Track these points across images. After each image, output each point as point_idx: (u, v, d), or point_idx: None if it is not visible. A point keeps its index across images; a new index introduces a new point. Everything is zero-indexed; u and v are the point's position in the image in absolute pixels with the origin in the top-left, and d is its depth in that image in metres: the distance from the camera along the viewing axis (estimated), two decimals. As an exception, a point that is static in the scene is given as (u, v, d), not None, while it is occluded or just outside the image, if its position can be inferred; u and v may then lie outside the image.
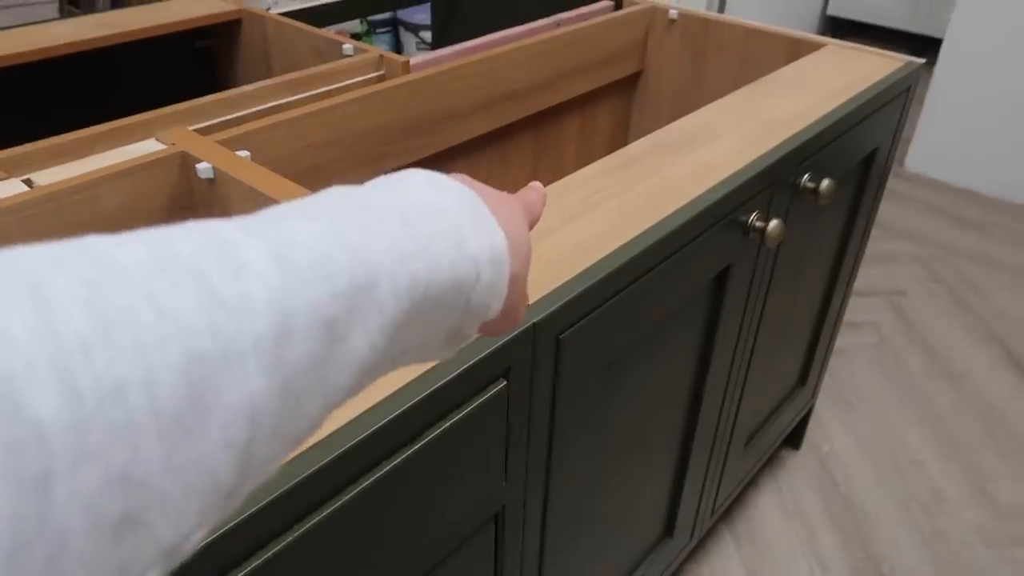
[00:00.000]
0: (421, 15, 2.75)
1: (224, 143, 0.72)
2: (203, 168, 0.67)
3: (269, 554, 0.39)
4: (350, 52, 0.98)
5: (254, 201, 0.64)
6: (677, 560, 1.04)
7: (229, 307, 0.18)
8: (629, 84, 1.27)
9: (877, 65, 0.98)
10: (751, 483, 1.31)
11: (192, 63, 1.18)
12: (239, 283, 0.18)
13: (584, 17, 1.20)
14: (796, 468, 1.36)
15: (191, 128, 0.75)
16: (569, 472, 0.66)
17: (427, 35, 2.76)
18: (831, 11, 3.47)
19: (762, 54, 1.11)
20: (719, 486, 1.05)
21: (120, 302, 0.16)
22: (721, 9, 2.82)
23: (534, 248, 0.59)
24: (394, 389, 0.44)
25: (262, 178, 0.65)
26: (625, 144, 1.33)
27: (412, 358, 0.26)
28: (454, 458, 0.50)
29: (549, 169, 1.19)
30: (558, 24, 1.18)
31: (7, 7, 2.82)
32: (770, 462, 1.36)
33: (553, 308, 0.52)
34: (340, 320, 0.20)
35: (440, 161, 1.02)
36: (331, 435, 0.42)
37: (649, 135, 0.78)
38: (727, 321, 0.81)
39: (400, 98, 0.90)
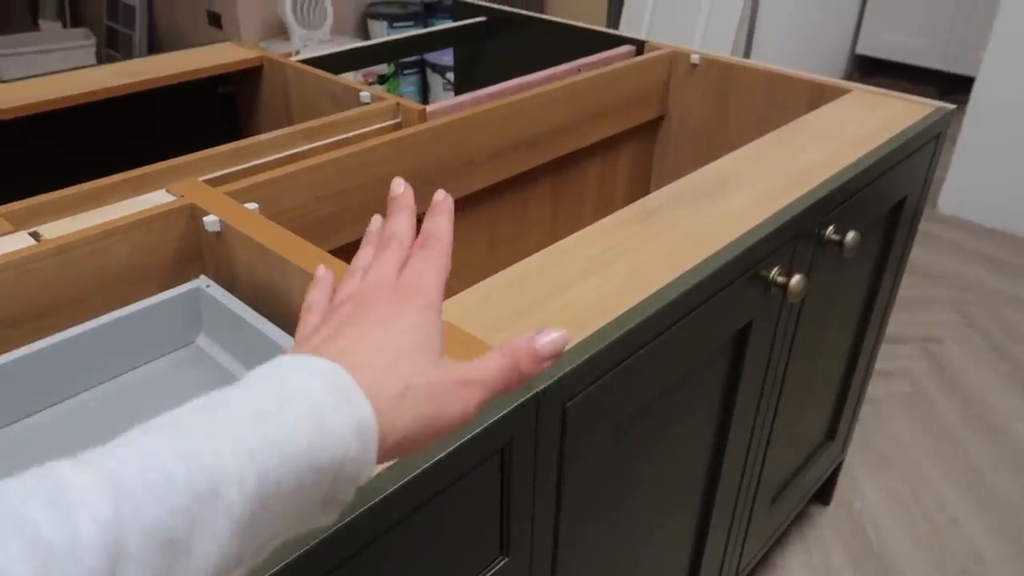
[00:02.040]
0: (448, 56, 2.78)
1: (234, 194, 0.71)
2: (210, 221, 0.66)
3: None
4: (367, 100, 0.98)
5: (259, 254, 0.63)
6: (699, 624, 1.00)
7: (56, 551, 0.18)
8: (651, 128, 1.25)
9: (905, 111, 0.96)
10: (777, 542, 1.26)
11: (215, 109, 1.19)
12: (67, 522, 0.19)
13: (606, 62, 1.19)
14: (825, 526, 1.30)
15: (202, 179, 0.75)
16: (579, 538, 0.63)
17: (453, 76, 2.77)
18: (860, 50, 3.45)
19: (786, 99, 1.09)
20: (743, 547, 1.01)
21: None
22: (747, 52, 2.82)
23: (547, 306, 0.56)
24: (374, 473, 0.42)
25: (267, 231, 0.63)
26: (647, 188, 1.32)
27: (287, 536, 0.27)
28: (448, 536, 0.47)
29: (568, 215, 1.18)
30: (579, 70, 1.17)
31: (48, 51, 2.91)
32: (798, 519, 1.31)
33: (560, 375, 0.49)
34: (181, 534, 0.21)
35: (458, 208, 1.00)
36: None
37: (669, 185, 0.76)
38: (748, 378, 0.77)
39: (416, 146, 0.89)
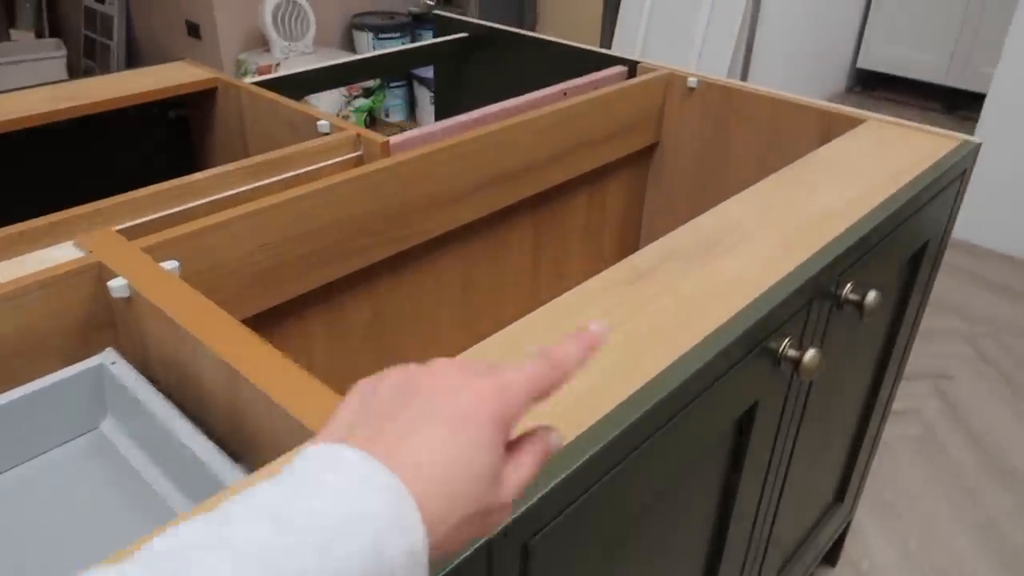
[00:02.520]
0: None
1: (153, 248, 0.61)
2: (117, 285, 0.56)
3: None
4: (325, 129, 0.87)
5: (169, 327, 0.52)
6: None
7: None
8: (644, 157, 1.15)
9: (925, 145, 0.86)
10: (782, 606, 1.15)
11: (167, 135, 1.09)
12: None
13: (594, 85, 1.09)
14: (833, 588, 1.20)
15: (120, 228, 0.65)
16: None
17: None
18: (861, 64, 3.36)
19: (792, 128, 0.99)
20: (746, 628, 0.90)
21: None
22: (747, 65, 2.72)
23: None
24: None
25: (179, 299, 0.53)
26: (639, 222, 1.21)
27: None
28: None
29: (552, 255, 1.07)
30: (564, 93, 1.07)
31: (16, 63, 2.80)
32: (804, 579, 1.20)
33: (522, 511, 0.39)
34: None
35: (429, 250, 0.90)
36: None
37: (664, 238, 0.65)
38: (752, 463, 0.67)
39: (378, 184, 0.79)
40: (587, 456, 0.42)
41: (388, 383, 0.31)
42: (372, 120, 2.87)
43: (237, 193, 0.75)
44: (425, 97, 2.86)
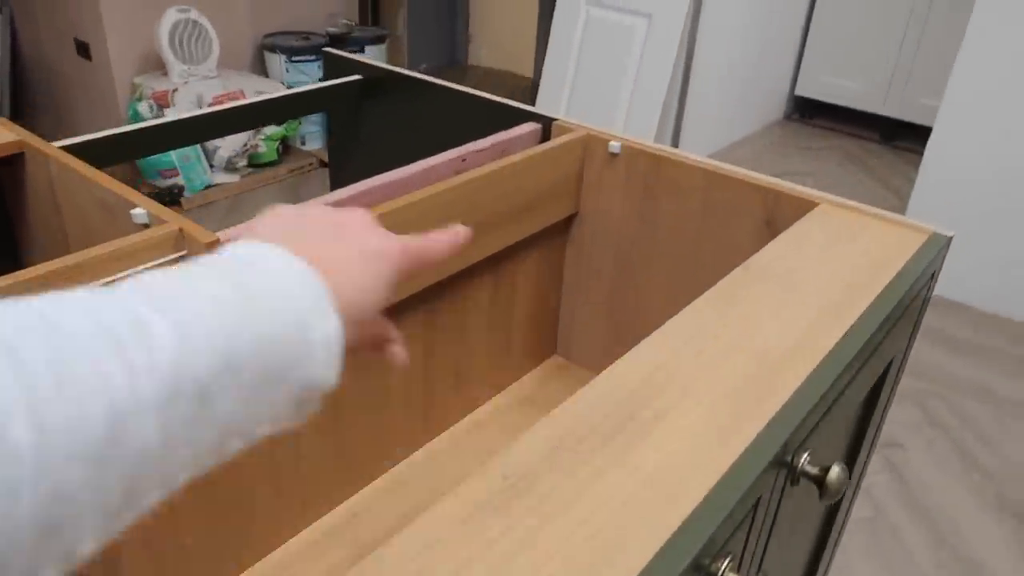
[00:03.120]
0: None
1: None
2: None
3: None
4: (143, 220, 0.68)
5: None
6: None
7: (139, 374, 0.23)
8: (560, 231, 0.98)
9: (887, 240, 0.71)
10: None
11: (-28, 202, 0.87)
12: (149, 354, 0.24)
13: (500, 148, 0.92)
14: None
15: None
16: None
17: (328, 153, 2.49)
18: (799, 91, 3.29)
19: (732, 203, 0.83)
20: None
21: (71, 366, 0.22)
22: (684, 90, 2.60)
23: None
24: None
25: None
26: (555, 312, 1.04)
27: (265, 427, 0.29)
28: None
29: (449, 361, 0.89)
30: (463, 160, 0.89)
31: None
32: None
33: None
34: (211, 389, 0.25)
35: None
36: None
37: (558, 410, 0.48)
38: None
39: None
40: None
41: (313, 212, 0.36)
42: (286, 149, 2.66)
43: None
44: (344, 124, 2.65)
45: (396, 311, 0.80)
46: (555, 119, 0.95)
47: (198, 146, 2.29)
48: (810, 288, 0.62)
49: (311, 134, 2.69)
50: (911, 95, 2.97)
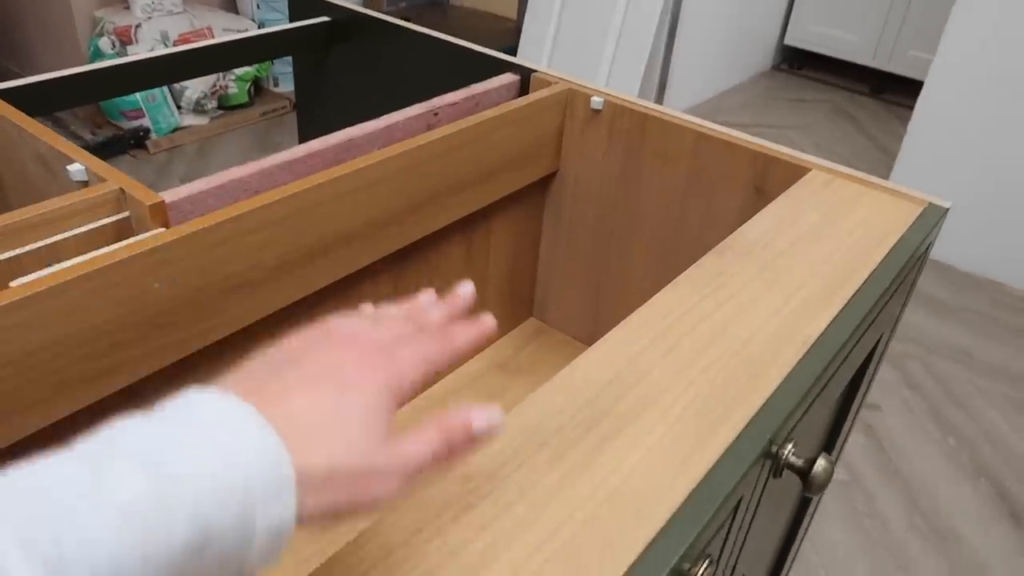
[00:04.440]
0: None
1: None
2: None
3: None
4: (80, 177, 0.62)
5: None
6: None
7: None
8: (538, 190, 0.93)
9: (882, 212, 0.67)
10: None
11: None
12: None
13: (475, 100, 0.86)
14: None
15: None
16: None
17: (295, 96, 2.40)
18: (788, 41, 3.21)
19: (720, 169, 0.79)
20: None
21: None
22: (671, 39, 2.52)
23: None
24: None
25: None
26: (532, 276, 1.00)
27: None
28: None
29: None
30: (435, 114, 0.83)
31: None
32: None
33: None
34: None
35: (221, 350, 0.66)
36: None
37: (531, 400, 0.44)
38: None
39: (139, 274, 0.55)
40: None
41: (289, 346, 0.32)
42: (258, 90, 2.55)
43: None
44: (318, 66, 2.55)
45: (352, 282, 0.75)
46: (534, 71, 0.89)
47: (165, 87, 2.19)
48: (798, 269, 0.58)
49: (284, 75, 2.58)
50: (901, 48, 2.91)
